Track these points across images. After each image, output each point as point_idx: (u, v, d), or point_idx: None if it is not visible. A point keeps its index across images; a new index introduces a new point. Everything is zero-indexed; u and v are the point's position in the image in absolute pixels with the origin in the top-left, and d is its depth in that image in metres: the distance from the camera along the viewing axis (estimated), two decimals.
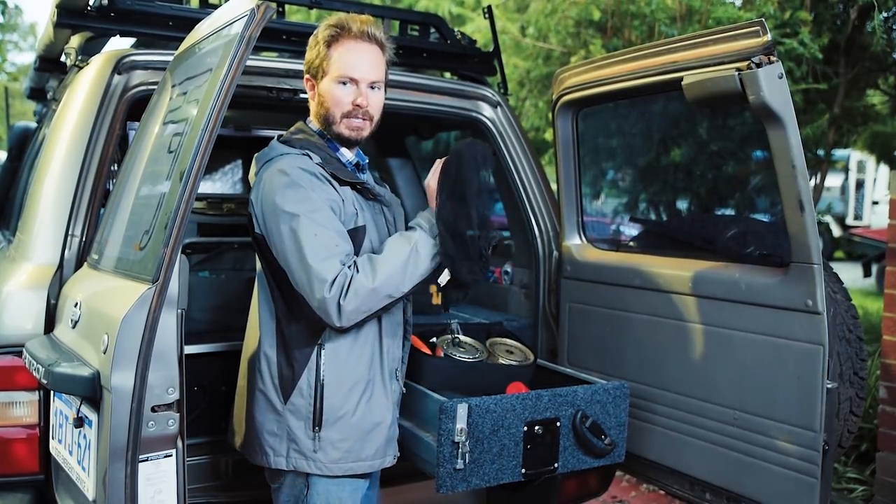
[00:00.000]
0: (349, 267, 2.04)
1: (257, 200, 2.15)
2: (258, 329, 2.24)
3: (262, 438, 2.20)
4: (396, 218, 2.38)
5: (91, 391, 1.84)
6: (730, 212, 5.78)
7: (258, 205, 2.15)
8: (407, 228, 2.21)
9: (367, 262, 2.07)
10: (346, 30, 2.21)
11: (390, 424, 2.26)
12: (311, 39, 2.25)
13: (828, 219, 15.22)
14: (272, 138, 2.30)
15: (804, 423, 2.26)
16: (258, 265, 2.26)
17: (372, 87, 2.24)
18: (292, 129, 2.32)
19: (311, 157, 2.18)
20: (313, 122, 2.30)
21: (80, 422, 1.99)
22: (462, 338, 2.78)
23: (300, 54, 3.10)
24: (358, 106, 2.22)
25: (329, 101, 2.22)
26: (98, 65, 2.62)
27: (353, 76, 2.20)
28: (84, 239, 2.44)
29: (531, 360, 2.80)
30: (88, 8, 2.70)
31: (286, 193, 2.09)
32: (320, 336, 2.16)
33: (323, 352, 2.16)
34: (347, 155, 2.28)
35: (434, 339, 2.74)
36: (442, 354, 2.67)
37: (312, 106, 2.29)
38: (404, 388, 2.38)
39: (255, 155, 2.27)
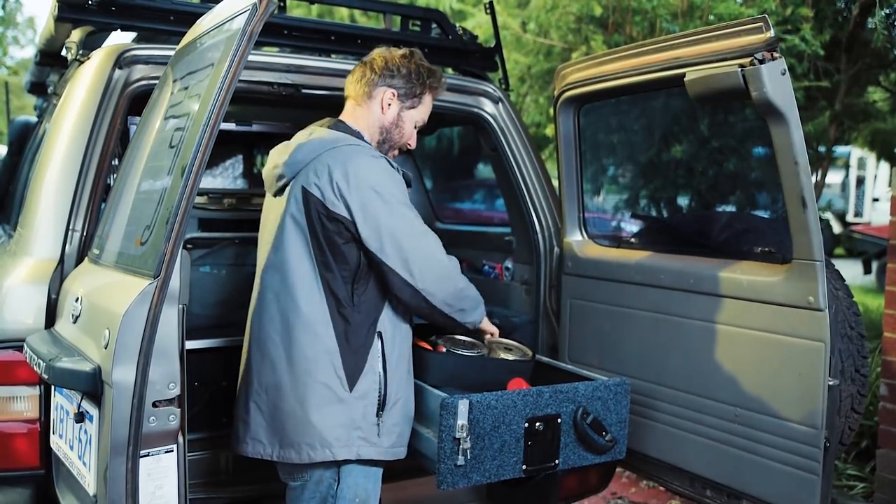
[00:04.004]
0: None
1: (344, 179, 2.18)
2: (309, 323, 2.20)
3: (323, 432, 2.18)
4: None
5: (92, 386, 1.84)
6: (731, 208, 5.77)
7: (346, 184, 2.17)
8: None
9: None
10: (440, 86, 2.47)
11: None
12: (412, 66, 2.39)
13: (828, 215, 15.23)
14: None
15: (806, 420, 2.26)
16: (310, 254, 2.22)
17: None
18: (338, 125, 2.35)
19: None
20: (359, 125, 2.37)
21: (80, 417, 1.99)
22: (461, 336, 2.78)
23: (301, 49, 3.12)
24: (410, 146, 2.51)
25: (405, 130, 2.43)
26: (99, 59, 2.61)
27: (422, 125, 2.49)
28: (85, 234, 2.44)
29: (530, 356, 2.80)
30: (89, 2, 2.69)
31: (392, 180, 2.23)
32: (377, 323, 2.25)
33: (383, 339, 2.25)
34: None
35: (434, 336, 2.73)
36: (444, 351, 2.66)
37: (377, 114, 2.39)
38: None
39: (307, 141, 2.28)
